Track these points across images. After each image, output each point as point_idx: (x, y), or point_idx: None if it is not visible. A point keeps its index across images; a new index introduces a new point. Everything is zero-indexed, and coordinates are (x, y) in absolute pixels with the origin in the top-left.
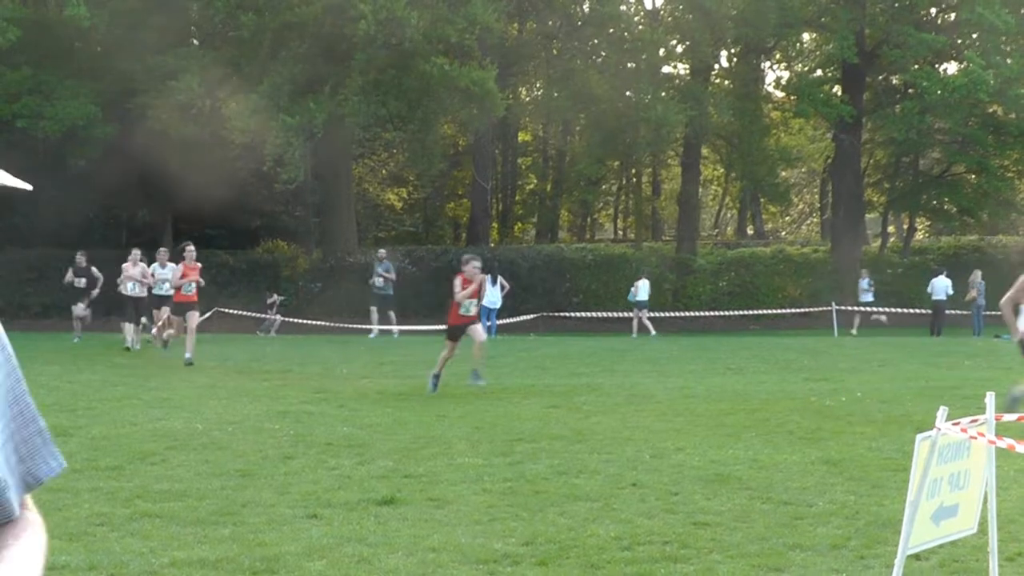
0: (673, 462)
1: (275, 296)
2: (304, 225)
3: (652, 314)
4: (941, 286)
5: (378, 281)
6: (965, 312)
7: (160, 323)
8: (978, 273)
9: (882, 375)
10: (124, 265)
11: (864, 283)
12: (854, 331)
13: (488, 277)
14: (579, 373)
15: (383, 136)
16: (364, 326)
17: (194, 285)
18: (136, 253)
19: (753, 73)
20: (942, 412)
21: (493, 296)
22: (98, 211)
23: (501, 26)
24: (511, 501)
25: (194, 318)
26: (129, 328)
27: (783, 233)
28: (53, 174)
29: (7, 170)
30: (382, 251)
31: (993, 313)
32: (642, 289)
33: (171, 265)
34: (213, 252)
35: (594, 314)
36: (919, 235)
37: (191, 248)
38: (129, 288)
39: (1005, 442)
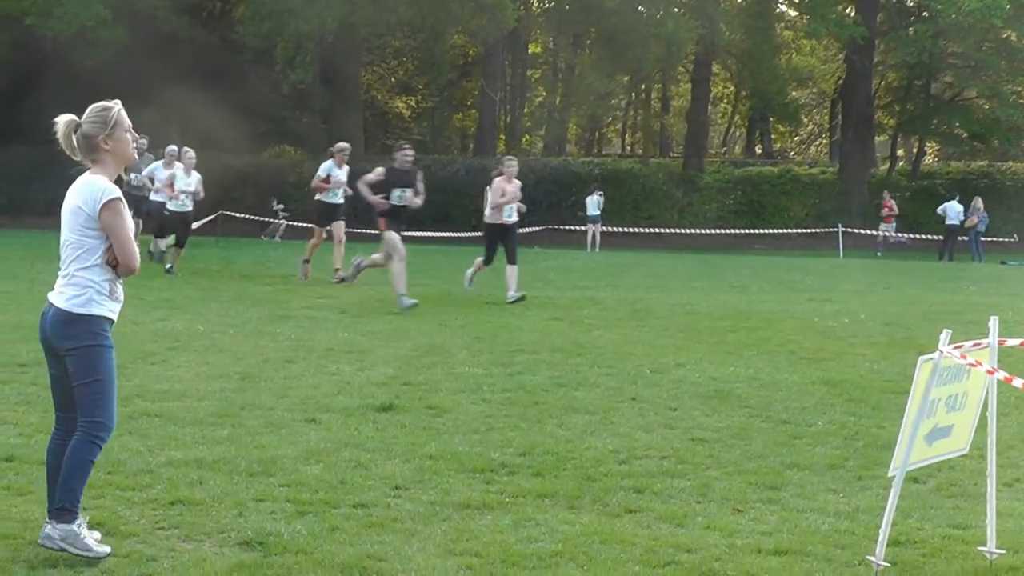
0: (673, 378)
1: (276, 202)
2: (311, 131)
3: (659, 230)
4: (954, 211)
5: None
6: (967, 238)
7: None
8: (979, 200)
9: (886, 298)
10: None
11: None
12: (879, 253)
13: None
14: (582, 287)
15: (392, 44)
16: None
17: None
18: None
19: None
20: (945, 335)
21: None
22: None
23: None
24: (509, 412)
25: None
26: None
27: (791, 153)
28: (61, 75)
29: (14, 70)
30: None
31: (993, 239)
32: (591, 204)
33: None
34: (218, 155)
35: (605, 228)
36: (928, 159)
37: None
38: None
39: (1002, 374)
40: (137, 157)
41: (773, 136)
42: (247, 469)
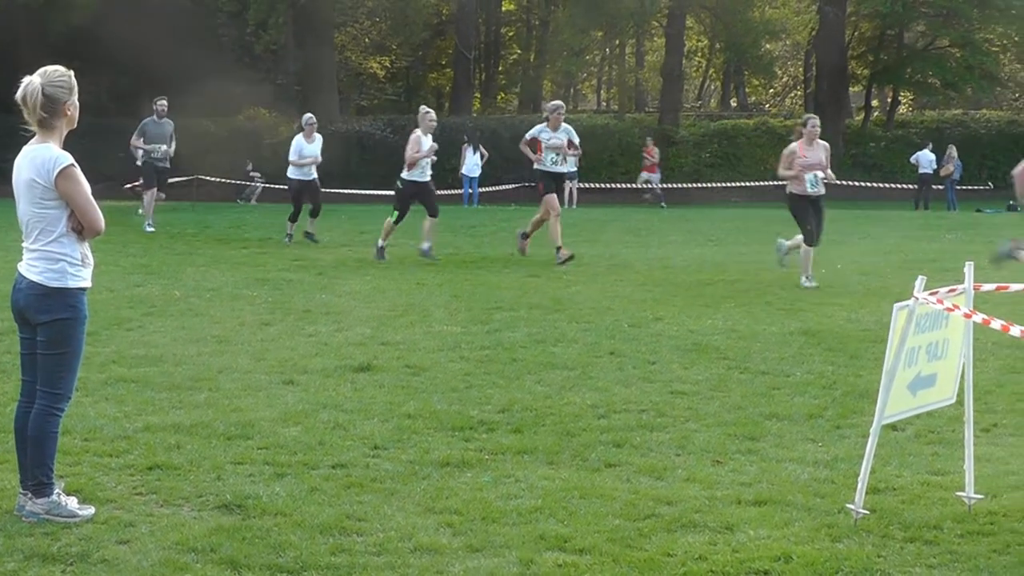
0: (651, 331)
1: (251, 165)
2: (286, 93)
3: (635, 185)
4: (927, 159)
5: None
6: (942, 187)
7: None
8: (953, 148)
9: (862, 247)
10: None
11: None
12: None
13: (469, 146)
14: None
15: (366, 4)
16: (347, 191)
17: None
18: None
19: None
20: (920, 281)
21: (473, 164)
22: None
23: None
24: (488, 369)
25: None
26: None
27: (766, 106)
28: (34, 41)
29: None
30: None
31: (968, 188)
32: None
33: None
34: (193, 120)
35: (582, 184)
36: (902, 109)
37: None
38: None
39: (979, 316)
40: (157, 121)
41: (748, 89)
42: (224, 433)
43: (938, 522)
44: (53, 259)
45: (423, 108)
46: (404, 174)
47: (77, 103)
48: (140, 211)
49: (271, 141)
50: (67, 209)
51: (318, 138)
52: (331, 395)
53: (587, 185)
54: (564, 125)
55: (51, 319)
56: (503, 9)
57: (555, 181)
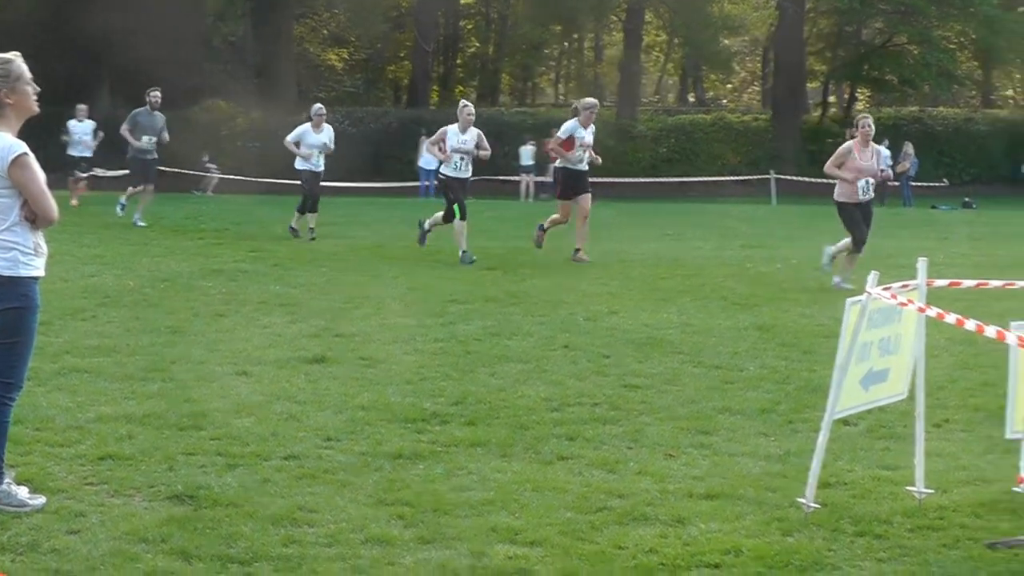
0: (606, 325)
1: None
2: (244, 84)
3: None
4: (883, 156)
5: None
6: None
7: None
8: (909, 145)
9: (818, 243)
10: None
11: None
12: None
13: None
14: (516, 236)
15: None
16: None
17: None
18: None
19: None
20: (872, 276)
21: (430, 157)
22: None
23: None
24: (442, 361)
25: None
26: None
27: (724, 101)
28: None
29: None
30: None
31: (924, 184)
32: (525, 154)
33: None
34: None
35: (539, 178)
36: (859, 105)
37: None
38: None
39: (934, 311)
40: (150, 113)
41: (705, 84)
42: (177, 423)
43: (888, 516)
44: (5, 248)
45: (462, 102)
46: (442, 168)
47: (26, 88)
48: (123, 200)
49: (228, 133)
50: (20, 198)
51: (327, 129)
52: (284, 386)
53: (545, 179)
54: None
55: (2, 308)
56: (462, 2)
57: (578, 181)
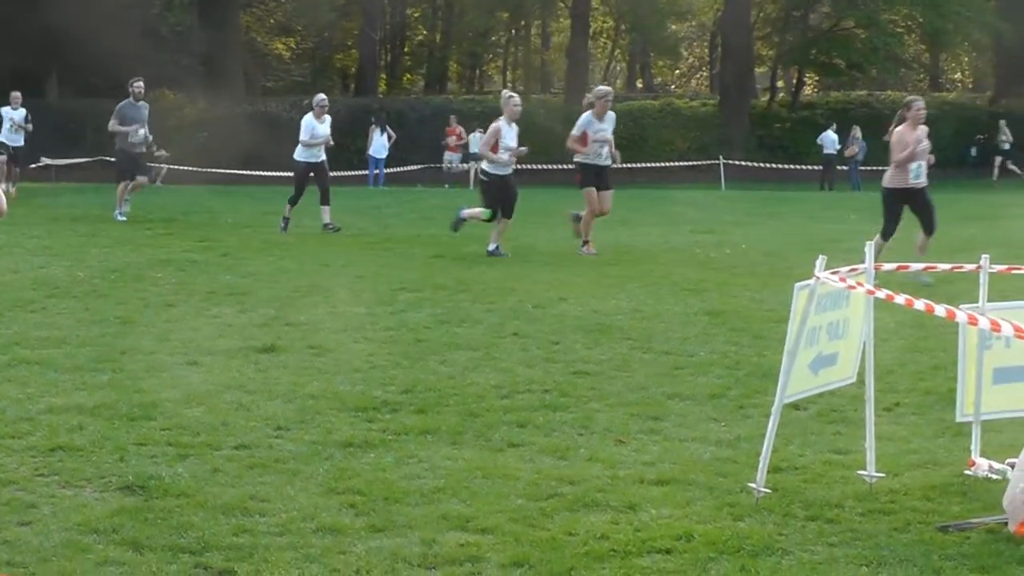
0: (555, 312)
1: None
2: (191, 74)
3: (541, 166)
4: (831, 140)
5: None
6: (846, 167)
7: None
8: (857, 129)
9: (767, 228)
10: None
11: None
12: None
13: (376, 127)
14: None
15: None
16: (252, 172)
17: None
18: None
19: None
20: (820, 261)
21: (380, 146)
22: None
23: None
24: (392, 350)
25: None
26: None
27: (672, 87)
28: None
29: None
30: None
31: (872, 168)
32: (472, 142)
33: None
34: (98, 101)
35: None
36: (808, 90)
37: None
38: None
39: (883, 292)
40: (134, 104)
41: (653, 70)
42: (128, 414)
43: (839, 501)
44: None
45: (506, 92)
46: (485, 166)
47: None
48: (120, 207)
49: (176, 123)
50: None
51: (328, 119)
52: (234, 376)
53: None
54: (610, 113)
55: None
56: None
57: (597, 174)
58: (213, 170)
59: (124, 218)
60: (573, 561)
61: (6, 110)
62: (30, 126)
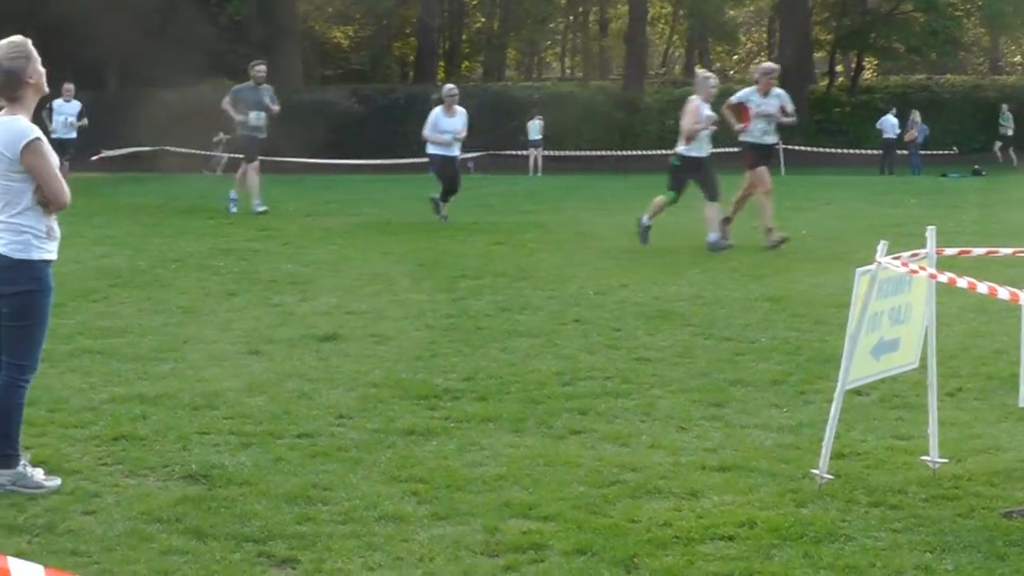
0: (616, 299)
1: (221, 134)
2: (249, 63)
3: (600, 152)
4: (890, 124)
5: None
6: (906, 152)
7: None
8: (916, 113)
9: (826, 213)
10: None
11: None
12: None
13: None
14: (524, 211)
15: None
16: (314, 160)
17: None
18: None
19: None
20: (882, 246)
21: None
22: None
23: None
24: (453, 337)
25: None
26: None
27: (731, 72)
28: None
29: None
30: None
31: (933, 152)
32: (532, 129)
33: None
34: (158, 90)
35: (547, 152)
36: (867, 74)
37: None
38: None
39: (946, 276)
40: (255, 87)
41: (712, 55)
42: (190, 403)
43: (902, 486)
44: (18, 231)
45: (702, 72)
46: (681, 148)
47: (41, 69)
48: (233, 194)
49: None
50: (32, 182)
51: (460, 112)
52: (296, 365)
53: (551, 153)
54: (776, 90)
55: (16, 291)
56: None
57: (763, 153)
58: (272, 158)
59: (264, 208)
60: (636, 548)
61: (58, 103)
62: (84, 121)
